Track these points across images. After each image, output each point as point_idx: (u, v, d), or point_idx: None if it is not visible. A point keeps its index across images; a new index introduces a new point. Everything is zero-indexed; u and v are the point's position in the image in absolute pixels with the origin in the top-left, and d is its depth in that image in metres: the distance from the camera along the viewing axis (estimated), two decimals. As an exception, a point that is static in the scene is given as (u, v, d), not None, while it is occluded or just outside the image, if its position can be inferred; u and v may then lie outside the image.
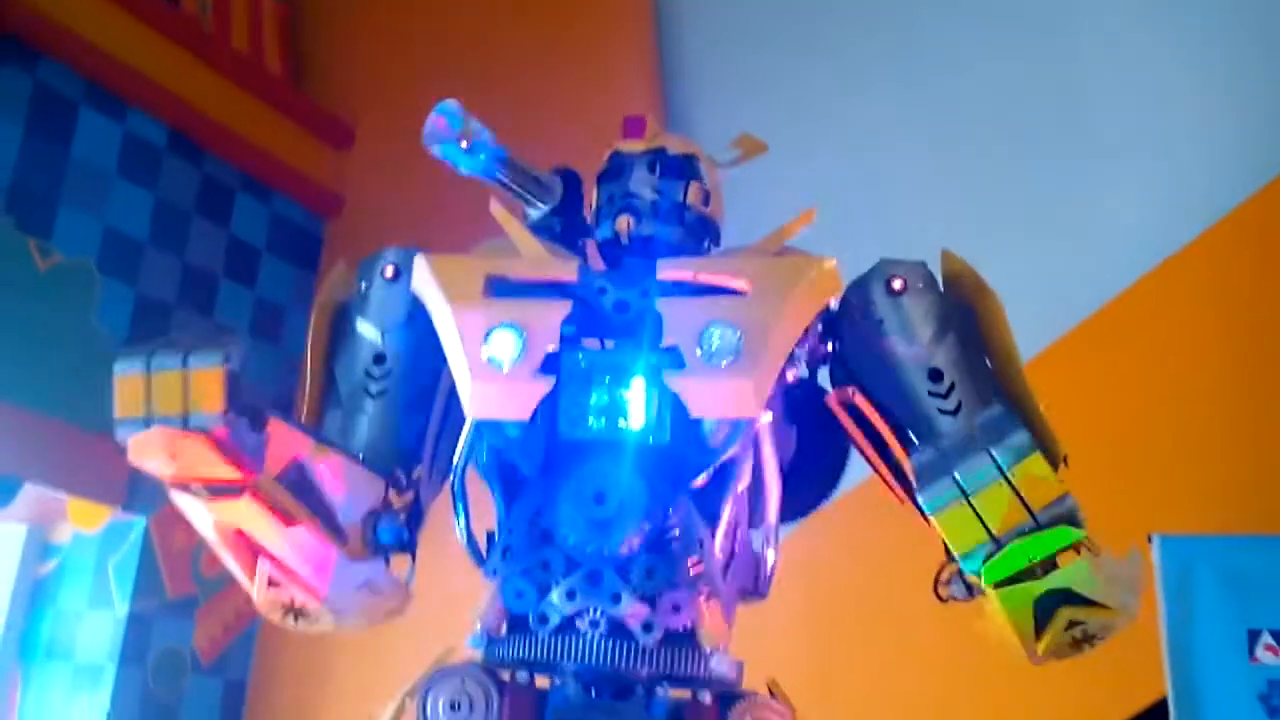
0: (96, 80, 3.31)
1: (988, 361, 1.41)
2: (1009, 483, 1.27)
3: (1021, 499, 1.27)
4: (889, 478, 1.44)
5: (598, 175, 1.52)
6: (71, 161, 3.24)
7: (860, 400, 1.42)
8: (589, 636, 1.28)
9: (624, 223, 1.43)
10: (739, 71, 3.45)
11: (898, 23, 3.30)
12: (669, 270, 1.38)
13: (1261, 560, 2.09)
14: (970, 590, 1.37)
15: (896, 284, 1.40)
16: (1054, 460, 1.35)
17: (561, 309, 1.32)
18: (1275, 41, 2.90)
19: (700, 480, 1.36)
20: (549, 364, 1.30)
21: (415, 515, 1.43)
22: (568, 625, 1.29)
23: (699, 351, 1.28)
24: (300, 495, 1.31)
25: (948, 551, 1.38)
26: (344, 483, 1.35)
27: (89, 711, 3.17)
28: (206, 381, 1.20)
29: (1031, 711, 2.28)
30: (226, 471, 1.24)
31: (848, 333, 1.43)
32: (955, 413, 1.36)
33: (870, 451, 1.44)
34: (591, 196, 1.54)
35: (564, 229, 1.52)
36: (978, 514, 1.27)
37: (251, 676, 3.59)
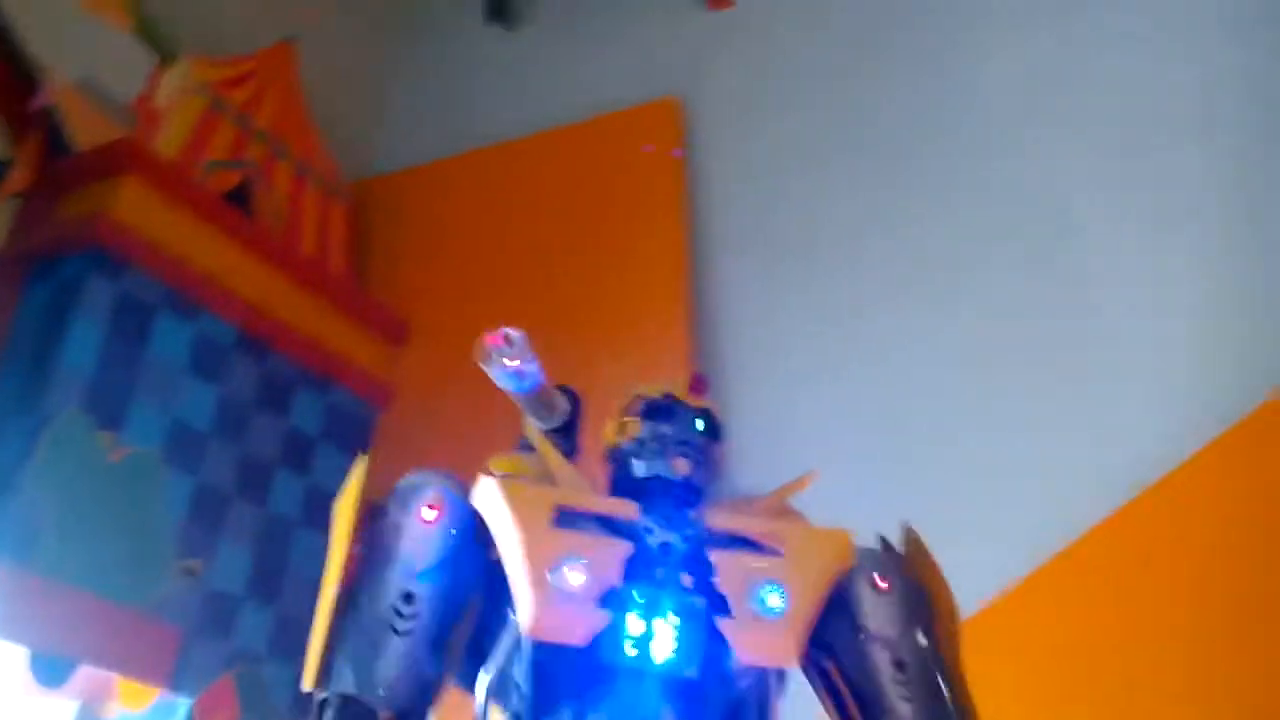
0: (174, 286, 3.61)
1: (943, 659, 1.60)
2: None
3: None
4: None
5: (643, 409, 1.68)
6: (146, 361, 3.52)
7: (835, 674, 1.61)
8: None
9: (683, 466, 1.62)
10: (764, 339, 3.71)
11: (913, 253, 3.52)
12: (717, 520, 1.57)
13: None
14: None
15: (882, 584, 1.60)
16: None
17: (624, 548, 1.50)
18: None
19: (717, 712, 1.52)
20: (608, 597, 1.46)
21: None
22: None
23: (750, 604, 1.47)
24: None
25: None
26: None
27: None
28: None
29: None
30: None
31: (834, 611, 1.59)
32: (909, 700, 1.55)
33: (832, 710, 1.63)
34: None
35: (565, 443, 1.71)
36: None
37: None
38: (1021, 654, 2.80)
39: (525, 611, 1.45)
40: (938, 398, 3.26)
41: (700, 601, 1.48)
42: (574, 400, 1.76)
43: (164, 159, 3.74)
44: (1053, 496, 2.96)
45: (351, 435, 4.18)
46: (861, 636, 1.58)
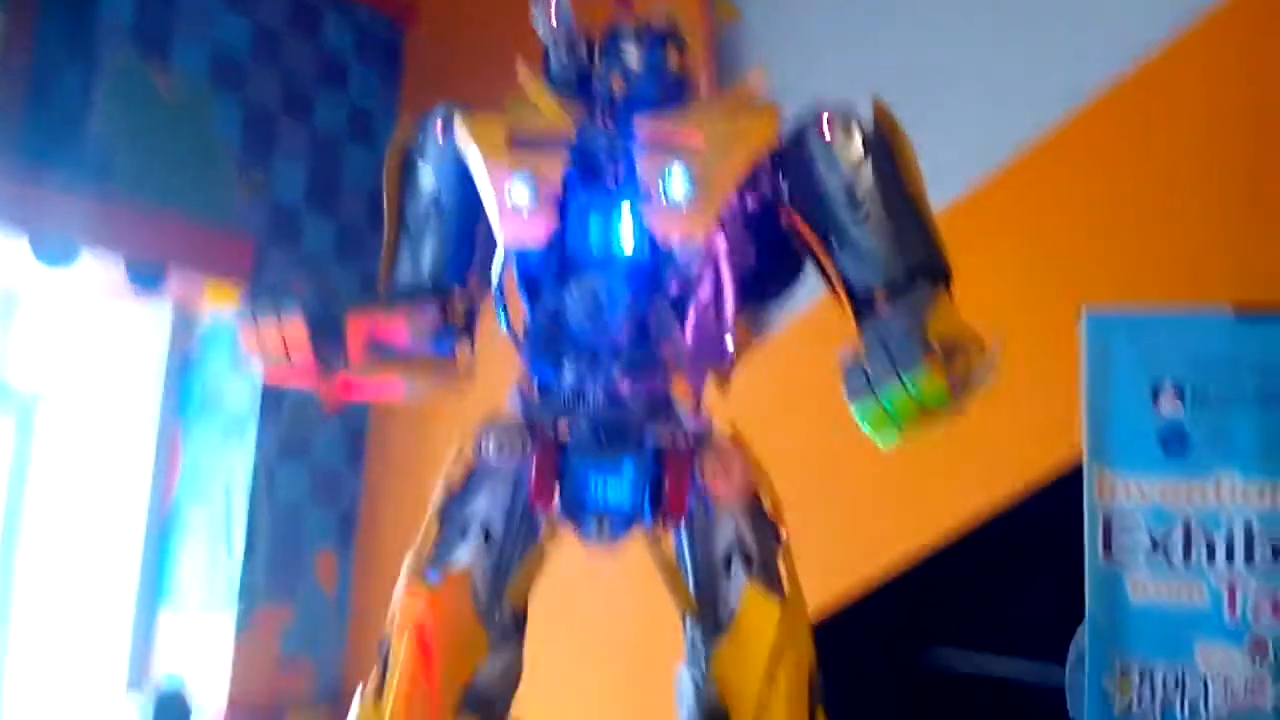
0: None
1: (898, 188, 1.79)
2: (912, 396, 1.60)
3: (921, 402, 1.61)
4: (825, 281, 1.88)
5: (600, 39, 1.85)
6: (180, -8, 3.71)
7: (803, 227, 1.84)
8: (592, 401, 1.78)
9: (617, 84, 1.82)
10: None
11: None
12: (645, 124, 1.79)
13: (1173, 329, 2.48)
14: None
15: (828, 133, 1.79)
16: (944, 276, 1.76)
17: (563, 158, 1.75)
18: None
19: (671, 288, 1.80)
20: (556, 203, 1.74)
21: (472, 314, 1.95)
22: (578, 393, 1.79)
23: (661, 192, 1.71)
24: (380, 355, 1.80)
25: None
26: (406, 331, 1.84)
27: (239, 454, 3.90)
28: (295, 329, 1.65)
29: (971, 455, 2.78)
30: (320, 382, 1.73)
31: (789, 166, 1.83)
32: (865, 221, 1.77)
33: (815, 268, 1.88)
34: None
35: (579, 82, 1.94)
36: (891, 416, 1.61)
37: (369, 421, 4.31)
38: (1007, 238, 2.99)
39: (495, 226, 1.76)
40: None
41: (630, 197, 1.72)
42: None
43: None
44: (1035, 81, 3.07)
45: (381, 55, 4.38)
46: (814, 181, 1.78)
